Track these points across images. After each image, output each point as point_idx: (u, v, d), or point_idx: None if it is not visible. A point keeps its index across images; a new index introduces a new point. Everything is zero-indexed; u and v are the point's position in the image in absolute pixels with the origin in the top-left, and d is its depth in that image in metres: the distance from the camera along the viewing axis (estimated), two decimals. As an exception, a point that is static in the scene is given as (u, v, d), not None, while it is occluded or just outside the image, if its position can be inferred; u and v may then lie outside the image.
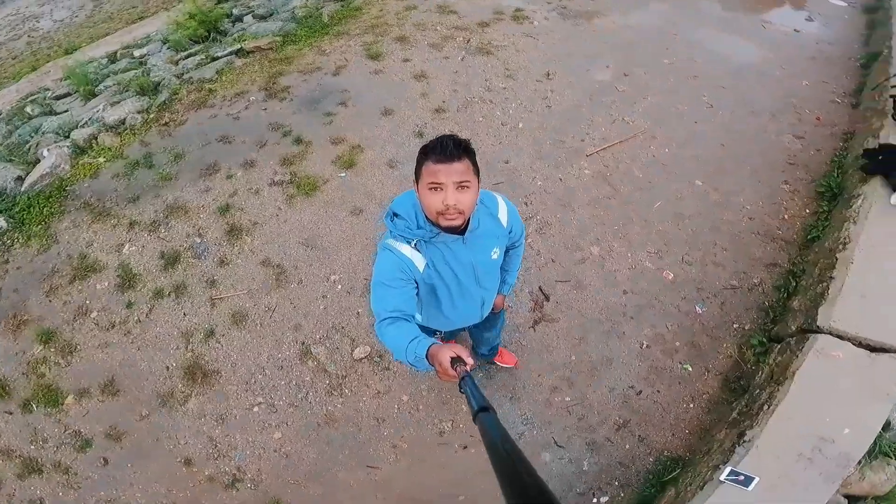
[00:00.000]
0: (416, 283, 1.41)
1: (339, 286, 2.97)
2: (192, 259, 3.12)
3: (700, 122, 3.90)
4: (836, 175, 3.30)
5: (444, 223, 1.28)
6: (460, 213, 1.26)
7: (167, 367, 2.72)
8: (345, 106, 4.05)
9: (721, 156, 3.64)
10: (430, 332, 1.79)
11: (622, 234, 3.14)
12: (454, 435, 2.45)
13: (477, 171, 1.29)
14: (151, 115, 4.13)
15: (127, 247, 3.20)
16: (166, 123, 4.02)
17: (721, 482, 1.74)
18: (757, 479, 1.71)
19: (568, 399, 2.48)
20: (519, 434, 2.40)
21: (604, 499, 2.16)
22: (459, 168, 1.22)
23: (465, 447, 2.39)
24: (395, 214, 1.40)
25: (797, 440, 1.83)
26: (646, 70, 4.39)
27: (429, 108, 4.00)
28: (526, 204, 3.32)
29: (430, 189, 1.24)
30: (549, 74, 4.26)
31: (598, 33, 4.85)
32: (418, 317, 1.68)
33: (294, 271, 3.04)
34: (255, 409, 2.58)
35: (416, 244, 1.37)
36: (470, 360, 1.00)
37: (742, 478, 1.72)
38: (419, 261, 1.39)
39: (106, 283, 3.05)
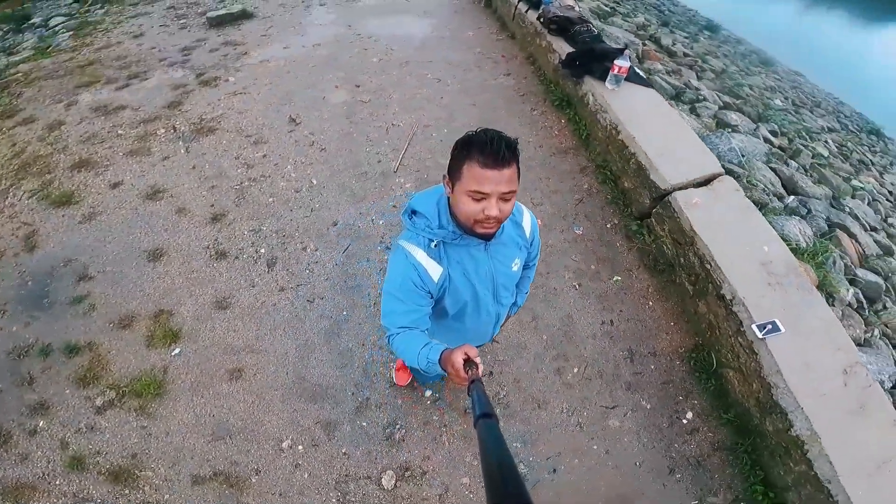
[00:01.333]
0: (431, 294, 1.29)
1: (300, 446, 2.28)
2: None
3: (444, 96, 4.28)
4: (554, 89, 4.19)
5: (479, 230, 1.17)
6: (499, 221, 1.16)
7: None
8: (89, 279, 2.83)
9: (479, 114, 4.12)
10: None
11: (482, 216, 3.29)
12: (533, 472, 2.27)
13: (519, 175, 1.16)
14: None
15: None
16: None
17: (762, 339, 1.98)
18: (778, 320, 1.99)
19: (576, 370, 2.59)
20: (576, 425, 2.39)
21: (689, 415, 2.37)
22: (509, 176, 1.08)
23: (554, 470, 2.27)
24: (415, 212, 1.27)
25: (756, 276, 2.20)
26: (367, 74, 4.49)
27: (202, 222, 3.16)
28: (388, 248, 3.10)
29: (471, 196, 1.10)
30: (294, 119, 3.89)
31: (298, 62, 4.63)
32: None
33: (237, 468, 2.19)
34: None
35: (435, 245, 1.25)
36: (479, 362, 1.01)
37: (769, 326, 1.99)
38: (434, 270, 1.26)
39: None
